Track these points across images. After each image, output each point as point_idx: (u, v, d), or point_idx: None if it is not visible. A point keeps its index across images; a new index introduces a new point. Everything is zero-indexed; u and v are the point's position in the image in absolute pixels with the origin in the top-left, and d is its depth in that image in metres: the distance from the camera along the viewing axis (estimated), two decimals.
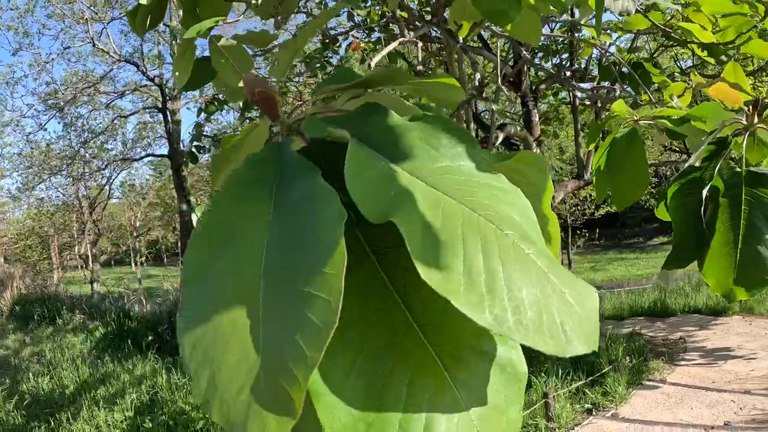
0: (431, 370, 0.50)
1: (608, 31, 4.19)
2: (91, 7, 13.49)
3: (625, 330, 7.58)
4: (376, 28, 5.46)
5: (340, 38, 6.93)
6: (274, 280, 0.42)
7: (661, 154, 15.53)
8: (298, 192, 0.49)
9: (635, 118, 1.74)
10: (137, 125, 17.97)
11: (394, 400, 0.48)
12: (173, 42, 14.07)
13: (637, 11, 2.38)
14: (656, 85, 3.58)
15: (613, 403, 5.04)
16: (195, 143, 7.35)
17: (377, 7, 5.16)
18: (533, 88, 6.88)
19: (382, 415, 0.48)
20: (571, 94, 6.93)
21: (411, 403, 0.49)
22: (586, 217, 19.75)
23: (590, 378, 5.32)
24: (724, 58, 2.37)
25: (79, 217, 19.15)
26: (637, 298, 9.49)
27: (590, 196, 17.78)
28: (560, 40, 6.52)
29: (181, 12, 1.75)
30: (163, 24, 14.23)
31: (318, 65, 7.07)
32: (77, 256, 21.50)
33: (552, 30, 5.48)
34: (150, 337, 7.97)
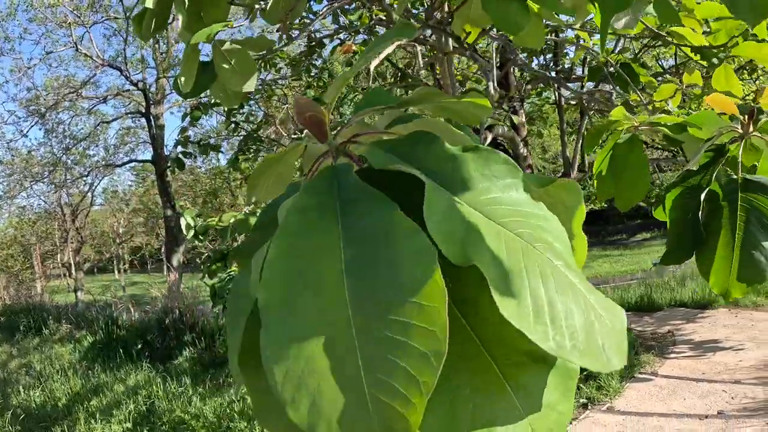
0: (491, 379, 0.54)
1: (596, 33, 4.24)
2: (74, 11, 13.31)
3: None
4: (362, 31, 5.47)
5: (326, 41, 6.95)
6: (363, 312, 0.44)
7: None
8: (368, 222, 0.51)
9: (635, 124, 1.79)
10: (119, 131, 17.78)
11: (463, 412, 0.52)
12: (156, 47, 13.95)
13: None
14: (642, 84, 3.65)
15: (607, 396, 5.12)
16: (181, 149, 7.30)
17: (367, 11, 5.17)
18: (519, 89, 6.94)
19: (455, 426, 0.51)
20: (556, 93, 6.99)
21: (477, 415, 0.52)
22: None
23: (584, 373, 5.41)
24: (715, 60, 2.43)
25: (61, 225, 18.88)
26: (624, 293, 9.62)
27: None
28: (546, 41, 6.60)
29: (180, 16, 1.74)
30: None
31: (303, 68, 7.07)
32: (60, 265, 21.20)
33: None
34: (139, 346, 7.90)
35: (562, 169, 6.63)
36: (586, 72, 5.80)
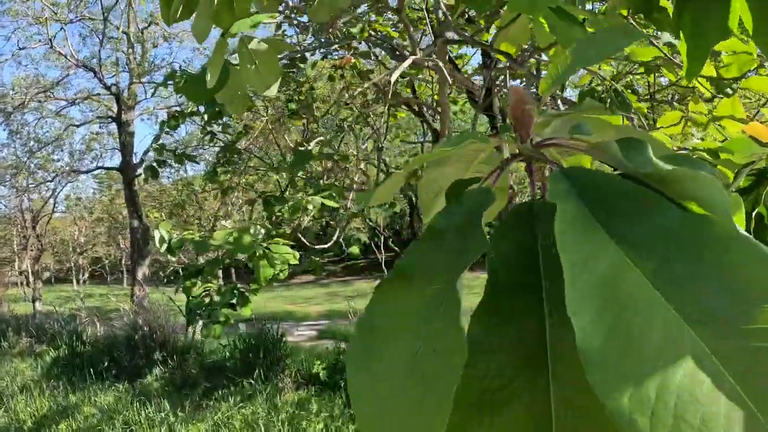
0: None
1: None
2: (52, 6, 12.89)
3: None
4: (352, 45, 5.41)
5: (308, 54, 6.86)
6: (708, 330, 0.37)
7: None
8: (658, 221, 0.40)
9: (675, 148, 1.81)
10: (85, 136, 17.26)
11: None
12: (130, 50, 13.62)
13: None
14: (633, 110, 3.69)
15: None
16: (155, 157, 7.10)
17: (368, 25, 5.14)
18: (502, 108, 6.94)
19: None
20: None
21: None
22: None
23: None
24: (729, 91, 2.46)
25: (20, 231, 18.14)
26: None
27: None
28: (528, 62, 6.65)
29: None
30: (123, 31, 13.77)
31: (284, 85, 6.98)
32: (18, 273, 20.33)
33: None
34: (106, 363, 7.56)
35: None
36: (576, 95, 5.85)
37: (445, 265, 0.43)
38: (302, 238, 4.55)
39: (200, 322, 4.49)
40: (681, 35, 1.02)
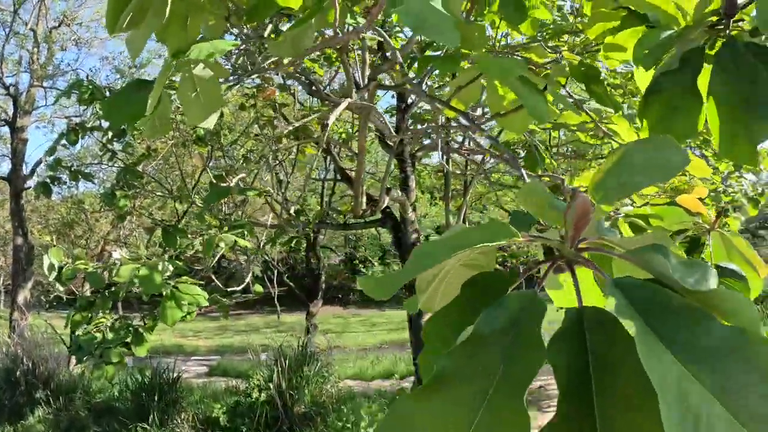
0: None
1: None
2: None
3: None
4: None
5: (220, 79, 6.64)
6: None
7: None
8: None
9: (610, 213, 1.95)
10: None
11: None
12: (36, 49, 12.63)
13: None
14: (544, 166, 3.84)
15: None
16: (49, 173, 6.52)
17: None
18: (412, 153, 6.85)
19: None
20: (444, 162, 6.87)
21: None
22: None
23: None
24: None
25: None
26: None
27: None
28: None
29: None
30: (30, 28, 12.76)
31: None
32: None
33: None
34: None
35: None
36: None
37: (492, 370, 0.46)
38: (214, 278, 4.30)
39: (89, 362, 4.03)
40: (644, 123, 1.02)
